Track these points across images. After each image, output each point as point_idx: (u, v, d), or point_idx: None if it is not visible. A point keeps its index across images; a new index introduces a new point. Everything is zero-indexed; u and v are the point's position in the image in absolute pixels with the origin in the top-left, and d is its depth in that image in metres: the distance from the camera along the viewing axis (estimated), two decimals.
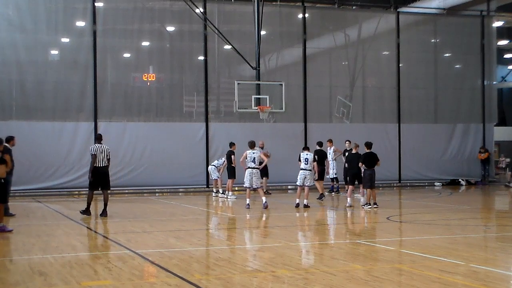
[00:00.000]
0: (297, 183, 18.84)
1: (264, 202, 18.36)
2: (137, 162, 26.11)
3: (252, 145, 18.76)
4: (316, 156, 20.14)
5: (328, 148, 24.30)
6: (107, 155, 16.65)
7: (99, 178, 16.53)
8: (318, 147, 22.01)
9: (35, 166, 24.52)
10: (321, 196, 21.55)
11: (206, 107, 27.28)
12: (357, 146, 19.99)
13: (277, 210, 18.70)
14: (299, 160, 18.82)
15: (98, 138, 17.20)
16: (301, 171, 18.70)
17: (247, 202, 18.64)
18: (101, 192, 16.78)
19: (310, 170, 18.79)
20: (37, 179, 24.67)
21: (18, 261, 10.33)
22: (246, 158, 18.66)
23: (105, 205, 16.61)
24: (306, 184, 18.65)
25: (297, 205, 18.54)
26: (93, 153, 16.59)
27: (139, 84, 27.28)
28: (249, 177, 18.45)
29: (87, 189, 17.25)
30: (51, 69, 26.02)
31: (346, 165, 20.27)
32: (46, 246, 11.61)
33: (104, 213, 16.53)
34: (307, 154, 18.76)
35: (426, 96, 30.89)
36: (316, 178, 20.18)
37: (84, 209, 16.78)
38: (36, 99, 25.36)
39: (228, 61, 28.51)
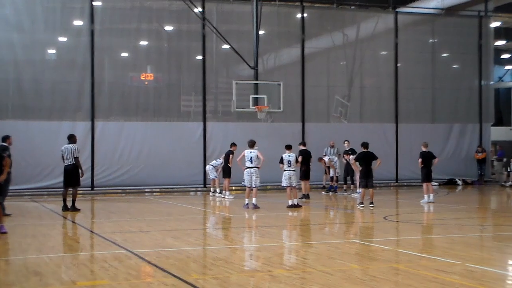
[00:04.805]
0: (283, 185, 18.83)
1: (254, 203, 18.35)
2: (134, 162, 26.07)
3: (251, 144, 18.66)
4: (301, 157, 20.23)
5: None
6: (72, 154, 17.90)
7: (65, 176, 18.11)
8: (302, 147, 21.99)
9: (32, 165, 24.46)
10: (307, 196, 21.56)
11: (204, 107, 27.25)
12: (426, 145, 20.52)
13: (274, 210, 18.68)
14: (281, 162, 18.80)
15: (67, 138, 18.47)
16: (285, 172, 18.69)
17: (246, 202, 18.61)
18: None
19: (294, 170, 18.84)
20: (34, 178, 24.60)
21: (13, 261, 10.30)
22: (244, 158, 18.62)
23: (73, 201, 17.90)
24: (293, 184, 18.67)
25: (291, 206, 18.54)
26: (61, 154, 18.22)
27: (136, 84, 27.24)
28: (248, 176, 18.42)
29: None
30: (49, 69, 25.96)
31: (420, 161, 20.48)
32: (42, 246, 11.59)
33: (72, 208, 17.77)
34: (289, 156, 18.76)
35: (424, 96, 30.90)
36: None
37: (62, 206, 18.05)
38: (33, 99, 25.30)
39: (226, 60, 28.48)
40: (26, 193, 24.09)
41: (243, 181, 18.68)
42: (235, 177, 22.45)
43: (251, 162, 18.38)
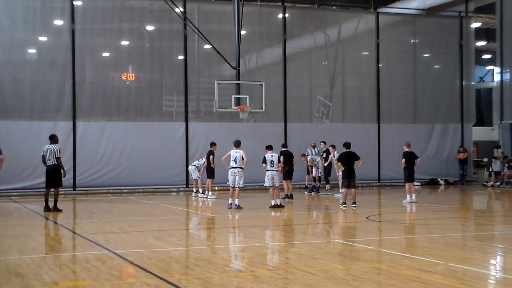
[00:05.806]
0: (266, 185, 18.87)
1: (236, 203, 18.32)
2: (116, 162, 25.95)
3: (237, 144, 18.56)
4: (282, 157, 20.25)
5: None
6: (54, 155, 17.74)
7: (47, 176, 17.89)
8: (283, 149, 22.00)
9: (12, 166, 24.19)
10: (290, 196, 21.56)
11: (186, 107, 27.19)
12: (409, 145, 20.61)
13: (256, 210, 18.67)
14: (264, 162, 18.86)
15: (49, 138, 18.27)
16: (267, 172, 18.76)
17: (229, 202, 18.57)
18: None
19: (277, 171, 18.88)
20: (15, 179, 24.40)
21: None
22: (230, 157, 18.53)
23: (54, 201, 17.76)
24: (276, 184, 18.69)
25: (274, 206, 18.53)
26: (42, 154, 18.01)
27: (118, 84, 27.11)
28: (232, 177, 18.35)
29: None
30: (29, 68, 25.78)
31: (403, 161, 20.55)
32: (24, 246, 11.47)
33: (54, 209, 17.67)
34: (272, 156, 18.82)
35: (405, 96, 31.06)
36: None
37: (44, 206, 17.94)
38: (13, 99, 25.10)
39: (208, 60, 28.43)
40: (6, 194, 23.88)
41: (228, 182, 18.62)
42: (219, 177, 22.38)
43: (235, 162, 18.29)
